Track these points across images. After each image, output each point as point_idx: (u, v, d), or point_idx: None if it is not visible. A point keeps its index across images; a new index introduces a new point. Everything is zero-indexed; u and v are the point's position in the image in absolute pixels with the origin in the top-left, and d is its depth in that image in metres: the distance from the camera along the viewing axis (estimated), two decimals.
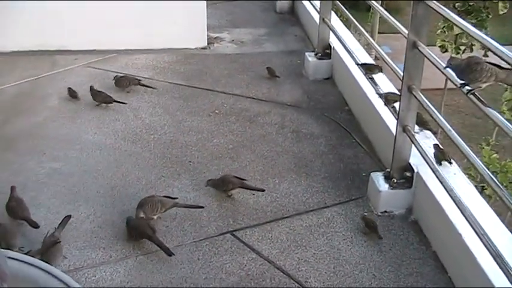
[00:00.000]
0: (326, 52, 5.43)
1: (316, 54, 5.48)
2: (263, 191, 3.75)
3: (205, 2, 6.10)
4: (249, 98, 5.07)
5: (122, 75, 5.28)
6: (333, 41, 5.37)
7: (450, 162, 3.55)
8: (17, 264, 1.77)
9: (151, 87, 5.19)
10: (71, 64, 5.86)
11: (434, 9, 3.11)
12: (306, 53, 5.58)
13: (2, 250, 1.74)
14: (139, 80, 5.25)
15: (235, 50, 6.22)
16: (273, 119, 4.71)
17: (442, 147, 3.63)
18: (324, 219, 3.56)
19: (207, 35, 6.31)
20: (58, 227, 3.32)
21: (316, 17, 5.86)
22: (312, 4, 6.10)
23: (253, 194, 3.76)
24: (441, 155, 3.53)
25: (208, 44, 6.29)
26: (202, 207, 3.60)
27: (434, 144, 3.64)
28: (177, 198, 3.64)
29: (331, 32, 5.33)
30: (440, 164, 3.48)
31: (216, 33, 6.61)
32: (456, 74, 2.93)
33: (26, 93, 5.21)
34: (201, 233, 3.44)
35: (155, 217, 3.49)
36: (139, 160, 4.17)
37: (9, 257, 1.78)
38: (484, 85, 2.78)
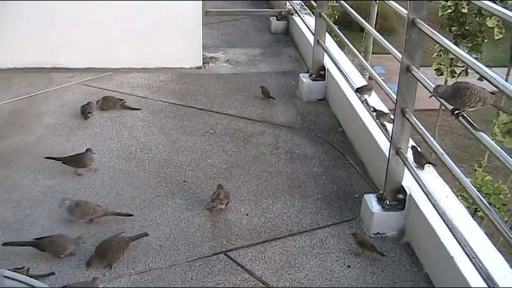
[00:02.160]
0: (320, 73, 5.48)
1: (310, 76, 5.53)
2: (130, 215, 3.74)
3: (201, 22, 6.14)
4: (243, 118, 5.09)
5: (105, 96, 5.32)
6: (327, 62, 5.42)
7: (434, 164, 3.71)
8: (13, 284, 1.79)
9: (135, 109, 5.23)
10: (66, 82, 5.89)
11: (427, 34, 3.16)
12: (300, 74, 5.62)
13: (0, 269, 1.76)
14: (124, 101, 5.28)
15: (230, 70, 6.26)
16: (267, 139, 4.73)
17: (419, 150, 3.72)
18: (317, 240, 3.58)
19: (202, 55, 6.35)
20: None
21: (311, 38, 5.92)
22: (306, 25, 6.15)
23: (247, 215, 3.78)
24: (422, 160, 3.67)
25: (203, 63, 6.33)
26: (131, 215, 3.70)
27: (411, 146, 3.70)
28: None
29: (325, 53, 5.38)
30: (423, 169, 3.63)
31: (211, 53, 6.65)
32: (445, 100, 2.98)
33: (21, 111, 5.22)
34: (195, 252, 3.45)
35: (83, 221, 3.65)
36: (134, 179, 4.18)
37: (5, 276, 1.80)
38: (472, 109, 2.83)
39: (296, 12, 6.86)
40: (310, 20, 6.37)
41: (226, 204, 3.81)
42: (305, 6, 7.38)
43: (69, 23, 6.03)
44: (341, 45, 6.04)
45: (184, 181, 4.16)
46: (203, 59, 6.35)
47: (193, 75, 6.06)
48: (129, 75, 6.02)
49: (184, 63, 6.25)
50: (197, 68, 6.27)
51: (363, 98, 4.30)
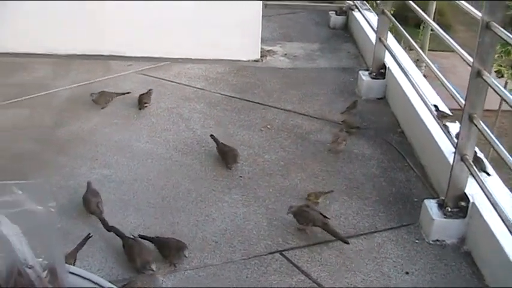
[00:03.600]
0: (380, 72, 5.37)
1: (370, 73, 5.42)
2: (347, 243, 3.49)
3: (260, 15, 6.08)
4: (301, 114, 5.03)
5: (99, 91, 5.19)
6: (388, 60, 5.31)
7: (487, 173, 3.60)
8: (79, 281, 1.77)
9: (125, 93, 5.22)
10: (124, 70, 5.92)
11: (503, 39, 3.04)
12: (360, 72, 5.52)
13: (66, 265, 1.74)
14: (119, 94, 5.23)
15: (288, 64, 6.20)
16: (324, 137, 4.65)
17: (478, 155, 3.62)
18: (375, 244, 3.51)
19: (260, 48, 6.30)
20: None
21: (371, 34, 5.82)
22: (367, 22, 6.04)
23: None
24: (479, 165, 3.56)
25: (261, 56, 6.28)
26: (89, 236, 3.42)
27: None
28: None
29: (386, 51, 5.27)
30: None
31: (269, 46, 6.60)
32: None
33: (79, 97, 5.26)
34: (250, 250, 3.42)
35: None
36: (190, 172, 4.17)
37: (70, 272, 1.78)
38: None
39: (357, 7, 6.75)
40: (371, 16, 6.27)
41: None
42: (365, 2, 7.26)
43: (128, 11, 6.04)
44: (397, 40, 5.91)
45: (240, 176, 4.12)
46: (261, 52, 6.30)
47: (250, 68, 6.02)
48: (186, 66, 6.01)
49: (242, 55, 6.21)
50: (255, 61, 6.22)
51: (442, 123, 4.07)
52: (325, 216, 3.58)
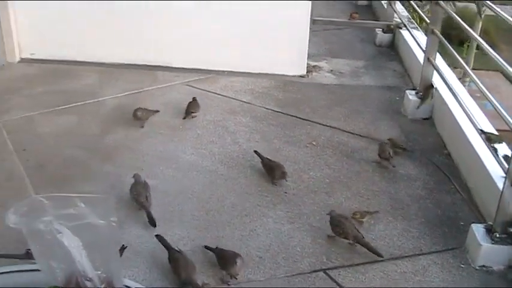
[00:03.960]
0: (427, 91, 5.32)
1: (417, 93, 5.38)
2: (381, 256, 3.52)
3: (308, 30, 6.08)
4: (346, 131, 5.01)
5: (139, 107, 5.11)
6: (436, 80, 5.27)
7: None
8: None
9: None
10: (170, 81, 5.98)
11: None
12: (407, 91, 5.47)
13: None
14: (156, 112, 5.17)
15: (334, 81, 6.19)
16: (369, 156, 4.63)
17: None
18: (420, 267, 3.47)
19: (306, 63, 6.30)
20: None
21: (419, 53, 5.79)
22: (416, 41, 6.00)
23: None
24: None
25: (306, 72, 6.28)
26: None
27: None
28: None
29: (434, 71, 5.23)
30: None
31: (315, 62, 6.59)
32: None
33: (126, 106, 5.30)
34: (294, 267, 3.41)
35: None
36: (235, 186, 4.18)
37: (126, 286, 1.80)
38: None
39: (405, 26, 6.72)
40: (418, 35, 6.24)
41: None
42: (412, 20, 7.22)
43: (175, 23, 6.11)
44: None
45: (285, 192, 4.12)
46: (306, 67, 6.30)
47: (296, 84, 6.03)
48: (232, 79, 6.04)
49: (288, 70, 6.21)
50: (300, 76, 6.22)
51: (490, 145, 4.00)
52: (359, 232, 3.59)
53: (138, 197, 3.79)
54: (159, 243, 3.46)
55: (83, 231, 1.62)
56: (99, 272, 1.66)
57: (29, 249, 3.20)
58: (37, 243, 1.65)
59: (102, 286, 1.67)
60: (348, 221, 3.62)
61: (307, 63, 6.33)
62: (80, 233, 1.62)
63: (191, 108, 5.13)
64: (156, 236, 3.50)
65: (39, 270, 1.72)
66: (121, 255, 3.30)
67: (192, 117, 5.07)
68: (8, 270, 1.88)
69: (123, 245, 3.28)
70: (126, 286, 1.78)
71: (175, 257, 3.31)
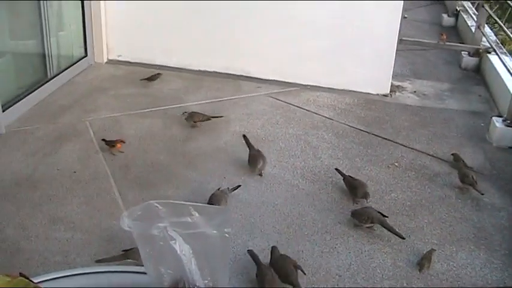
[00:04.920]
0: None
1: (504, 120, 5.27)
2: (403, 239, 3.78)
3: (395, 49, 6.04)
4: (429, 155, 4.95)
5: (190, 111, 5.27)
6: None
7: None
8: None
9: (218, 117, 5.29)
10: (253, 91, 6.04)
11: None
12: (493, 118, 5.36)
13: None
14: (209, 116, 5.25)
15: (417, 102, 6.12)
16: (453, 181, 4.55)
17: None
18: None
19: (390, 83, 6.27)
20: None
21: (507, 79, 5.67)
22: (505, 66, 5.88)
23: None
24: None
25: (390, 91, 6.24)
26: None
27: None
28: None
29: None
30: None
31: (398, 82, 6.55)
32: None
33: (209, 113, 5.36)
34: None
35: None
36: (317, 201, 4.19)
37: None
38: None
39: (494, 50, 6.59)
40: (508, 61, 6.12)
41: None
42: (501, 45, 7.08)
43: (261, 33, 6.18)
44: None
45: None
46: (390, 87, 6.26)
47: (379, 102, 6.00)
48: (315, 93, 6.06)
49: (372, 88, 6.18)
50: (383, 95, 6.18)
51: None
52: (383, 215, 3.90)
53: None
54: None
55: (195, 239, 1.66)
56: (206, 281, 1.69)
57: (125, 250, 3.32)
58: (148, 248, 1.69)
59: None
60: (370, 208, 3.96)
61: (391, 83, 6.28)
62: (191, 241, 1.66)
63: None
64: (248, 251, 3.53)
65: (142, 273, 1.77)
66: None
67: (260, 175, 4.52)
68: (113, 270, 1.93)
69: None
70: None
71: (262, 273, 3.32)
